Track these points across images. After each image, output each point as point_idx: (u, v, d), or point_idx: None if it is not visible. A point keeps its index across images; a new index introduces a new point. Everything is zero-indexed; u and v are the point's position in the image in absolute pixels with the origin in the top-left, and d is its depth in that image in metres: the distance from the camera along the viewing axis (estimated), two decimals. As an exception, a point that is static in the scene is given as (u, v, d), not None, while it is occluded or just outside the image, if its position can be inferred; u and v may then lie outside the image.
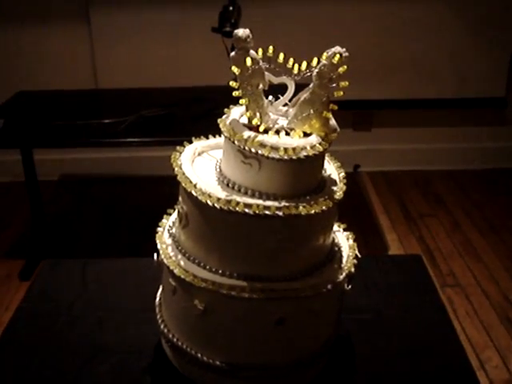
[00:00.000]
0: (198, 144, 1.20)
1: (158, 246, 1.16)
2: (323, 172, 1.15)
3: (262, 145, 1.01)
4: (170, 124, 2.95)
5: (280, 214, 1.01)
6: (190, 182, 1.05)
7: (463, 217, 3.40)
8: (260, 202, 1.02)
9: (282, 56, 1.02)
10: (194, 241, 1.10)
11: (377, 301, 1.45)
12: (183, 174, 1.08)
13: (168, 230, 1.18)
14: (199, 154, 1.19)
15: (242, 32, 1.01)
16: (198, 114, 3.03)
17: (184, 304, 1.12)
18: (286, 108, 1.13)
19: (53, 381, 1.22)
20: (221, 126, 1.08)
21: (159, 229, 1.20)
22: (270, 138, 1.02)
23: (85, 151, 3.72)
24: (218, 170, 1.12)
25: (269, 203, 1.01)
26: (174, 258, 1.11)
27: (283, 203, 1.02)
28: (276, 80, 1.10)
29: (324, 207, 1.05)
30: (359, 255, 1.21)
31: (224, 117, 1.10)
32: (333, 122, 1.09)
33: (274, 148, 1.01)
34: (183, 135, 2.85)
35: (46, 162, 3.52)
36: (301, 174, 1.06)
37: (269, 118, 1.09)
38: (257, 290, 1.05)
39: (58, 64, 3.62)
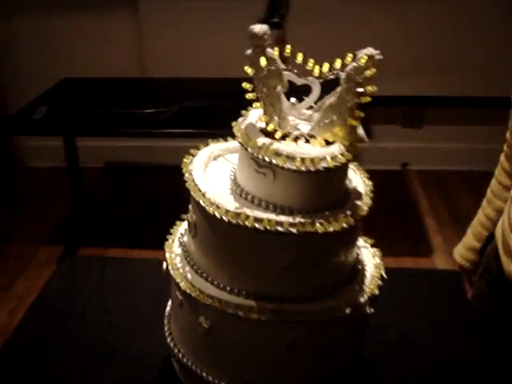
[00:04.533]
0: (215, 147, 1.11)
1: (167, 256, 1.08)
2: (348, 183, 1.05)
3: (277, 153, 0.92)
4: (211, 116, 2.89)
5: (294, 230, 0.92)
6: (199, 190, 0.97)
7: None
8: (272, 216, 0.92)
9: (300, 57, 0.92)
10: (203, 253, 1.02)
11: (405, 320, 1.33)
12: (193, 180, 1.00)
13: (179, 239, 1.11)
14: (215, 158, 1.11)
15: (258, 28, 0.92)
16: (240, 106, 2.95)
17: (190, 319, 1.04)
18: (310, 112, 1.04)
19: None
20: (235, 130, 0.99)
21: (170, 236, 1.12)
22: (286, 147, 0.93)
23: (129, 139, 3.71)
24: (233, 177, 1.04)
25: (282, 218, 0.92)
26: (181, 270, 1.04)
27: (298, 219, 0.93)
28: (299, 81, 1.00)
29: (344, 224, 0.94)
30: (385, 276, 1.10)
31: (240, 120, 1.02)
32: (360, 130, 0.98)
33: (290, 157, 0.92)
34: (224, 127, 2.78)
35: (91, 148, 3.51)
36: (320, 187, 0.96)
37: (288, 123, 0.99)
38: (266, 311, 0.96)
39: (105, 51, 3.61)
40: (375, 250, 1.15)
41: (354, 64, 0.91)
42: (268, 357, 1.01)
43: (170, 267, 1.05)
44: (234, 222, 0.92)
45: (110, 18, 3.56)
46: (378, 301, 1.10)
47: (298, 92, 1.05)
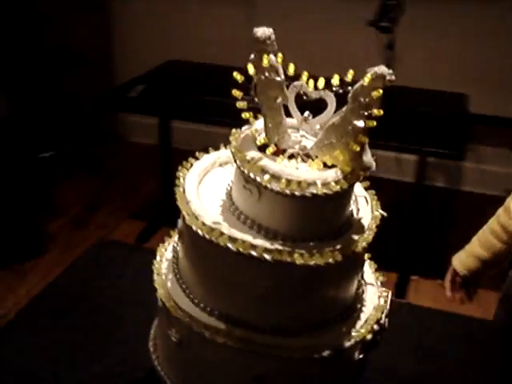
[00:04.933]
0: (224, 153, 1.05)
1: (157, 258, 1.04)
2: (352, 213, 0.94)
3: (264, 171, 0.84)
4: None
5: (268, 257, 0.83)
6: (185, 197, 0.92)
7: None
8: (248, 238, 0.85)
9: (292, 67, 0.83)
10: (186, 263, 0.96)
11: (423, 370, 1.20)
12: (183, 186, 0.94)
13: (174, 242, 1.06)
14: (221, 165, 1.04)
15: (261, 32, 0.85)
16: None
17: (164, 329, 1.00)
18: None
19: (45, 368, 1.17)
20: (231, 138, 0.92)
21: (167, 238, 1.08)
22: (274, 165, 0.85)
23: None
24: (229, 189, 0.97)
25: (258, 242, 0.84)
26: (163, 277, 0.99)
27: (276, 245, 0.84)
28: (313, 93, 0.91)
29: (330, 260, 0.85)
30: (385, 324, 0.98)
31: (244, 128, 0.95)
32: (367, 157, 0.87)
33: (276, 177, 0.83)
34: None
35: (191, 131, 3.56)
36: (307, 214, 0.86)
37: (288, 138, 0.91)
38: (234, 337, 0.89)
39: (214, 37, 3.63)
40: (384, 290, 1.03)
41: (362, 82, 0.81)
42: (234, 385, 0.95)
43: (155, 271, 1.01)
44: (207, 237, 0.86)
45: (224, 5, 3.57)
46: (398, 341, 0.99)
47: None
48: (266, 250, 0.84)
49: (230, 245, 0.84)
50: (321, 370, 0.93)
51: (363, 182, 1.01)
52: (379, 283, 1.04)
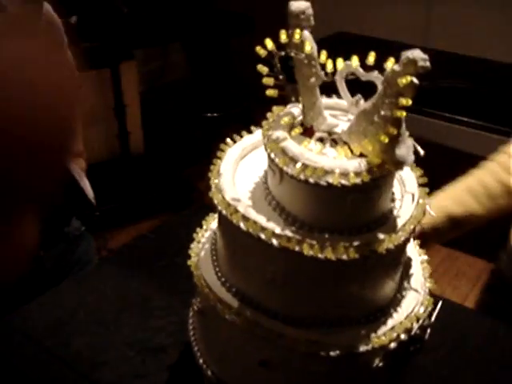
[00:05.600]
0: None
1: (203, 227, 1.05)
2: (396, 211, 0.86)
3: (283, 152, 0.80)
4: (468, 100, 2.62)
5: (275, 243, 0.80)
6: (218, 170, 0.91)
7: None
8: (261, 220, 0.82)
9: (309, 45, 0.76)
10: (218, 236, 0.96)
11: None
12: (222, 159, 0.93)
13: (223, 214, 1.06)
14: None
15: (295, 5, 0.79)
16: (504, 96, 2.61)
17: (195, 295, 1.01)
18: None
19: (110, 311, 1.26)
20: (269, 115, 0.89)
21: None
22: (296, 147, 0.80)
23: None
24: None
25: (269, 225, 0.81)
26: (200, 245, 1.00)
27: (286, 232, 0.80)
28: (364, 76, 0.84)
29: (344, 256, 0.79)
30: (425, 335, 0.89)
31: (288, 106, 0.90)
32: (401, 151, 0.78)
33: (294, 160, 0.79)
34: (483, 117, 2.52)
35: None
36: (327, 204, 0.81)
37: (323, 120, 0.85)
38: (243, 317, 0.87)
39: (391, 11, 3.47)
40: (430, 300, 0.93)
41: (395, 67, 0.73)
42: (244, 365, 0.93)
43: (195, 239, 1.02)
44: (224, 212, 0.85)
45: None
46: (461, 353, 0.94)
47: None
48: (275, 235, 0.80)
49: (241, 224, 0.82)
50: (330, 369, 0.87)
51: (421, 178, 0.92)
52: (426, 290, 0.95)
